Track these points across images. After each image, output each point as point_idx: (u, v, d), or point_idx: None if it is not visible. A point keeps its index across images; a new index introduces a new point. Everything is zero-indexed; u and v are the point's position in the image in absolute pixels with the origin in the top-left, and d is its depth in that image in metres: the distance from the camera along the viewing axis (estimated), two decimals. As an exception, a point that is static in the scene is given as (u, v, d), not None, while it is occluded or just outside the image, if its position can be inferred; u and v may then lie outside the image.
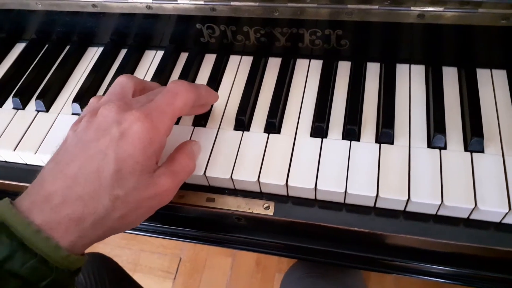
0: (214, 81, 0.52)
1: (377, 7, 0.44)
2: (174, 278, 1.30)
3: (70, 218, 0.33)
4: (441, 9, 0.43)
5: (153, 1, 0.49)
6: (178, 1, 0.48)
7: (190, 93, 0.39)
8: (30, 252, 0.31)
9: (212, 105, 0.48)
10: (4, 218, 0.32)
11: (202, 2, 0.48)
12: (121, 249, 1.37)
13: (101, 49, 0.59)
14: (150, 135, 0.35)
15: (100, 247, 1.26)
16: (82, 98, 0.52)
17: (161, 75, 0.53)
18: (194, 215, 0.49)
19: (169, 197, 0.38)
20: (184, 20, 0.52)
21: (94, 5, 0.52)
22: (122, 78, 0.41)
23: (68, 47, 0.60)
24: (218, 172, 0.44)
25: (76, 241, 0.33)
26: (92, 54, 0.59)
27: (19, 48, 0.62)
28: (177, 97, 0.38)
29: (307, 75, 0.52)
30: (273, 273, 1.26)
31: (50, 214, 0.32)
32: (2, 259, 0.30)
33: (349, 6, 0.44)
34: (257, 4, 0.46)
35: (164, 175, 0.37)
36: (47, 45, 0.61)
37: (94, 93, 0.54)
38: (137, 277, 0.76)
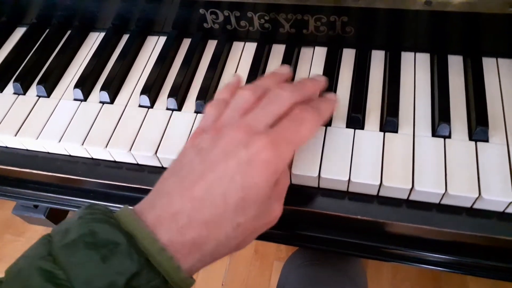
0: (217, 68, 0.51)
1: (383, -7, 0.43)
2: (174, 266, 1.31)
3: (194, 242, 0.32)
4: (448, -4, 0.42)
5: (156, -15, 0.49)
6: (182, -14, 0.48)
7: (318, 122, 0.38)
8: (154, 271, 0.30)
9: None
10: (132, 231, 0.30)
11: (206, -14, 0.47)
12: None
13: (103, 34, 0.58)
14: (275, 165, 0.33)
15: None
16: (83, 83, 0.52)
17: (163, 61, 0.53)
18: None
19: (277, 219, 0.37)
20: (187, 4, 0.51)
21: (95, -11, 0.51)
22: (245, 93, 0.38)
23: (69, 32, 0.59)
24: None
25: (195, 265, 0.32)
26: (94, 39, 0.59)
27: (19, 32, 0.61)
28: (303, 126, 0.36)
29: (311, 62, 0.51)
30: (271, 261, 1.27)
31: (176, 235, 0.31)
32: (130, 276, 0.28)
33: (355, -8, 0.44)
34: (261, -11, 0.46)
35: (276, 201, 0.36)
36: (48, 30, 0.60)
37: (96, 79, 0.54)
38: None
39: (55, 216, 1.20)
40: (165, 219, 0.31)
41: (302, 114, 0.37)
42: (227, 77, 0.52)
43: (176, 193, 0.32)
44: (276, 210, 0.36)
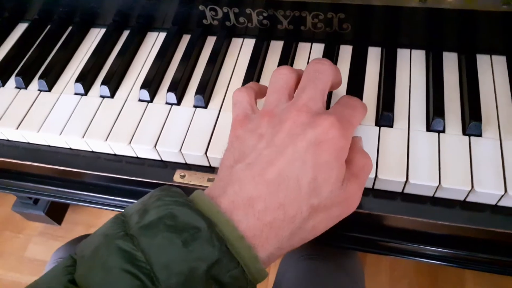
0: (215, 63, 0.52)
1: (380, -10, 0.44)
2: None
3: (271, 226, 0.30)
4: (443, -7, 0.43)
5: (157, -18, 0.50)
6: (182, -18, 0.49)
7: (364, 110, 0.39)
8: (234, 259, 0.28)
9: None
10: (211, 216, 0.29)
11: (205, -17, 0.48)
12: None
13: (103, 30, 0.59)
14: (343, 143, 0.33)
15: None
16: (84, 78, 0.52)
17: (163, 57, 0.54)
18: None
19: (356, 203, 0.36)
20: (187, 1, 0.52)
21: (97, -15, 0.52)
22: (284, 71, 0.38)
23: (70, 27, 0.60)
24: (220, 152, 0.45)
25: (272, 253, 0.31)
26: (95, 35, 0.59)
27: (21, 28, 0.62)
28: (357, 110, 0.37)
29: (308, 58, 0.52)
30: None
31: (253, 221, 0.30)
32: (211, 263, 0.27)
33: (352, -12, 0.45)
34: (260, -15, 0.47)
35: (349, 180, 0.34)
36: (49, 26, 0.61)
37: (96, 74, 0.54)
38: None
39: (54, 212, 1.21)
40: (240, 205, 0.30)
41: (352, 101, 0.38)
42: (225, 72, 0.52)
43: (247, 179, 0.31)
44: (353, 190, 0.34)
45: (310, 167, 0.31)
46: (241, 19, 0.52)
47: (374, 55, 0.51)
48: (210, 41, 0.55)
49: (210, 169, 0.47)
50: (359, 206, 0.43)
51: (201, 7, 0.52)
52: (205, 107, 0.49)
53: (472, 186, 0.40)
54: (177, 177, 0.47)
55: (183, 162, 0.47)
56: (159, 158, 0.48)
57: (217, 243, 0.28)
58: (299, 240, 0.33)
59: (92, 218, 1.39)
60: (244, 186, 0.31)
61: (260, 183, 0.31)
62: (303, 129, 0.32)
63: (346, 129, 0.34)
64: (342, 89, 0.48)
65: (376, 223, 0.46)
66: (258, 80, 0.51)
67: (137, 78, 0.53)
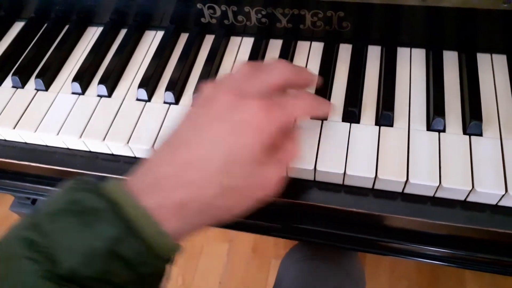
0: (214, 62, 0.52)
1: (379, -12, 0.44)
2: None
3: (178, 204, 0.32)
4: (443, -9, 0.43)
5: (154, -20, 0.49)
6: (180, -20, 0.48)
7: (312, 102, 0.38)
8: (137, 236, 0.30)
9: None
10: (115, 197, 0.31)
11: (203, -19, 0.48)
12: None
13: (100, 28, 0.59)
14: (267, 128, 0.33)
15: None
16: (81, 77, 0.52)
17: (161, 56, 0.53)
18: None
19: (273, 187, 0.36)
20: (185, -1, 0.52)
21: (94, -16, 0.51)
22: (241, 65, 0.39)
23: (67, 26, 0.59)
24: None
25: (180, 228, 0.32)
26: (92, 34, 0.59)
27: (18, 26, 0.61)
28: (300, 101, 0.37)
29: (308, 57, 0.52)
30: (269, 259, 1.27)
31: (160, 199, 0.31)
32: (112, 241, 0.29)
33: (351, -13, 0.44)
34: (259, -17, 0.46)
35: (270, 164, 0.35)
36: (46, 24, 0.60)
37: (93, 73, 0.54)
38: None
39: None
40: (151, 185, 0.32)
41: (303, 93, 0.38)
42: (224, 71, 0.52)
43: (164, 160, 0.33)
44: (271, 175, 0.35)
45: (227, 147, 0.32)
46: (240, 18, 0.52)
47: (374, 54, 0.51)
48: (208, 40, 0.55)
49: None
50: (358, 206, 0.43)
51: (199, 5, 0.52)
52: (204, 106, 0.49)
53: (473, 186, 0.40)
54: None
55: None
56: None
57: (119, 223, 0.29)
58: (211, 217, 0.34)
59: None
60: (155, 167, 0.33)
61: (172, 164, 0.32)
62: (228, 109, 0.33)
63: (275, 114, 0.34)
64: (342, 87, 0.48)
65: (376, 223, 0.46)
66: (257, 79, 0.50)
67: (134, 77, 0.53)
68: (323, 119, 0.46)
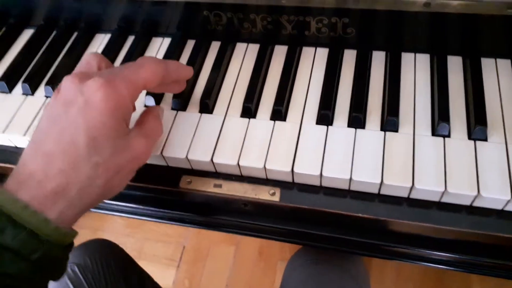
0: (221, 68, 0.52)
1: (384, -5, 0.44)
2: (178, 266, 1.32)
3: (55, 191, 0.34)
4: (447, -3, 0.43)
5: (161, -12, 0.50)
6: (186, -12, 0.49)
7: (156, 66, 0.40)
8: (20, 226, 0.32)
9: (214, 90, 0.50)
10: None
11: (210, -11, 0.48)
12: (126, 237, 1.39)
13: (108, 35, 0.60)
14: (115, 100, 0.36)
15: (105, 236, 1.28)
16: (90, 84, 0.53)
17: (168, 62, 0.54)
18: (201, 201, 0.50)
19: (145, 157, 0.40)
20: (192, 7, 0.52)
21: (102, -8, 0.52)
22: (88, 54, 0.42)
23: (76, 33, 0.60)
24: (225, 158, 0.45)
25: (64, 212, 0.35)
26: (100, 41, 0.60)
27: (27, 34, 0.62)
28: (143, 68, 0.39)
29: (313, 63, 0.52)
30: (275, 261, 1.27)
31: (36, 190, 0.34)
32: None
33: (356, -6, 0.45)
34: (264, -9, 0.47)
35: (137, 136, 0.38)
36: (55, 32, 0.61)
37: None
38: (141, 264, 0.77)
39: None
40: (23, 181, 0.34)
41: (143, 59, 0.40)
42: (230, 77, 0.52)
43: (29, 155, 0.36)
44: (139, 146, 0.38)
45: (83, 129, 0.35)
46: (246, 24, 0.53)
47: (378, 59, 0.51)
48: (215, 46, 0.56)
49: (216, 175, 0.47)
50: (364, 211, 0.43)
51: (205, 13, 0.52)
52: (211, 112, 0.49)
53: (478, 191, 0.40)
54: (183, 183, 0.47)
55: (189, 167, 0.48)
56: (165, 164, 0.48)
57: None
58: (96, 196, 0.37)
59: (98, 222, 1.40)
60: (25, 163, 0.35)
61: (38, 156, 0.35)
62: (74, 95, 0.36)
63: (117, 88, 0.36)
64: (347, 93, 0.49)
65: (382, 228, 0.46)
66: (262, 85, 0.51)
67: (142, 84, 0.53)
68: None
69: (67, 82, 0.37)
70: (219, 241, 1.33)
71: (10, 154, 0.52)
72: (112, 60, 0.57)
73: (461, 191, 0.40)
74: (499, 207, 0.41)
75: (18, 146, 0.53)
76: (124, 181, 0.39)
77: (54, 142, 0.35)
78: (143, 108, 0.50)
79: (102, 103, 0.35)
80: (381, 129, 0.45)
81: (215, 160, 0.45)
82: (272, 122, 0.47)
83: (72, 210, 0.35)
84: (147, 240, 1.38)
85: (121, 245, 0.75)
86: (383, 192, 0.43)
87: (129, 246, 1.36)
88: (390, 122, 0.45)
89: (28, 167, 0.35)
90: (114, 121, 0.36)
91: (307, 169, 0.43)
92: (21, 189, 0.34)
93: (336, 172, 0.43)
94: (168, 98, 0.51)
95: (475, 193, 0.40)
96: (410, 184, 0.41)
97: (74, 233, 0.37)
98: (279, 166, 0.44)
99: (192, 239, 1.36)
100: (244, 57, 0.54)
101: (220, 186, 0.47)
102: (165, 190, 0.49)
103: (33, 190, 0.34)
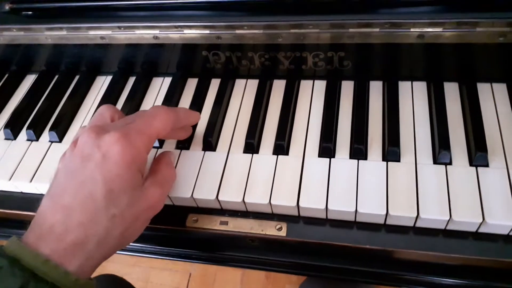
0: (222, 105, 0.53)
1: (377, 30, 0.45)
2: (185, 294, 1.31)
3: (75, 243, 0.35)
4: (439, 29, 0.44)
5: (160, 32, 0.51)
6: (184, 31, 0.50)
7: (168, 115, 0.42)
8: (42, 281, 0.33)
9: (216, 129, 0.51)
10: (14, 253, 0.34)
11: (207, 32, 0.49)
12: (131, 267, 1.38)
13: (109, 77, 0.61)
14: (131, 153, 0.37)
15: (110, 266, 1.27)
16: (94, 127, 0.54)
17: (170, 101, 0.55)
18: (208, 238, 0.50)
19: (161, 206, 0.41)
20: (190, 48, 0.53)
21: (102, 37, 0.53)
22: (101, 107, 0.44)
23: (77, 77, 0.62)
24: (230, 195, 0.45)
25: (84, 264, 0.36)
26: (101, 83, 0.61)
27: (29, 79, 0.63)
28: (155, 118, 0.40)
29: (311, 95, 0.53)
30: (283, 285, 1.26)
31: (56, 243, 0.35)
32: None
33: (350, 30, 0.46)
34: (261, 31, 0.48)
35: (152, 187, 0.40)
36: (57, 76, 0.62)
37: (105, 122, 0.55)
38: (149, 295, 0.76)
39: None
40: (43, 234, 0.35)
41: (154, 110, 0.41)
42: (231, 114, 0.53)
43: (48, 209, 0.36)
44: (154, 195, 0.40)
45: (101, 183, 0.36)
46: (244, 62, 0.54)
47: (376, 89, 0.52)
48: (215, 83, 0.57)
49: (222, 211, 0.48)
50: (371, 243, 0.43)
51: (204, 53, 0.53)
52: (214, 150, 0.50)
53: (483, 218, 0.40)
54: (189, 222, 0.47)
55: (195, 205, 0.48)
56: (171, 203, 0.49)
57: (19, 272, 0.33)
58: (112, 247, 0.38)
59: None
60: (45, 216, 0.36)
61: (58, 210, 0.36)
62: (91, 149, 0.37)
63: (134, 139, 0.38)
64: (347, 124, 0.49)
65: (390, 258, 0.46)
66: (263, 120, 0.52)
67: (145, 124, 0.54)
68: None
69: (84, 137, 0.38)
70: (225, 267, 1.32)
71: (16, 200, 0.53)
72: (115, 101, 0.58)
73: (466, 219, 0.40)
74: (505, 232, 0.41)
75: (24, 191, 0.53)
76: (139, 230, 0.40)
77: (72, 195, 0.36)
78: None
79: (119, 156, 0.36)
80: (383, 159, 0.46)
81: (220, 198, 0.46)
82: (275, 156, 0.48)
83: (91, 261, 0.36)
84: (153, 269, 1.37)
85: (127, 275, 0.75)
86: (389, 222, 0.44)
87: (135, 276, 1.35)
88: (391, 152, 0.45)
89: (48, 221, 0.36)
90: (130, 174, 0.37)
91: (313, 203, 0.44)
92: (41, 242, 0.35)
93: (341, 205, 0.43)
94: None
95: (480, 220, 0.40)
96: (415, 214, 0.41)
97: (92, 283, 0.37)
98: (284, 201, 0.44)
99: (198, 266, 1.35)
100: (244, 92, 0.55)
101: (226, 223, 0.47)
102: (172, 230, 0.49)
103: (53, 243, 0.35)
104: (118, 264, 1.38)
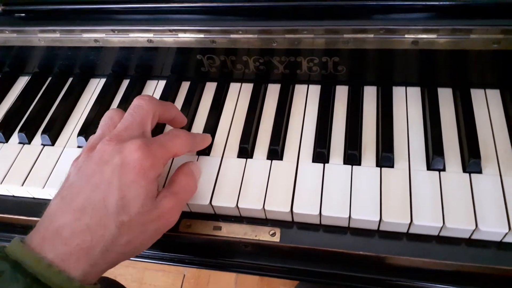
0: (216, 109, 0.53)
1: (372, 35, 0.45)
2: (179, 295, 1.30)
3: (80, 248, 0.34)
4: (434, 36, 0.44)
5: (154, 36, 0.51)
6: (179, 35, 0.50)
7: (188, 139, 0.43)
8: (45, 286, 0.32)
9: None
10: (16, 257, 0.33)
11: (202, 36, 0.49)
12: (125, 268, 1.37)
13: (103, 80, 0.60)
14: (150, 161, 0.37)
15: (104, 268, 1.26)
16: (87, 130, 0.53)
17: (164, 104, 0.55)
18: (201, 243, 0.50)
19: (173, 218, 0.40)
20: (185, 52, 0.53)
21: (96, 40, 0.53)
22: (110, 111, 0.44)
23: (70, 79, 0.61)
24: (224, 201, 0.45)
25: (88, 270, 0.35)
26: (95, 86, 0.60)
27: (22, 81, 0.63)
28: (178, 138, 0.41)
29: (306, 100, 0.53)
30: (277, 286, 1.26)
31: (61, 247, 0.34)
32: None
33: (345, 35, 0.46)
34: (256, 36, 0.48)
35: (165, 197, 0.39)
36: (50, 78, 0.62)
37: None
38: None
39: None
40: (48, 237, 0.34)
41: (178, 131, 0.42)
42: (226, 118, 0.53)
43: (58, 210, 0.36)
44: (166, 204, 0.39)
45: (116, 188, 0.35)
46: (238, 66, 0.54)
47: (370, 94, 0.52)
48: (209, 87, 0.56)
49: (215, 217, 0.48)
50: (364, 249, 0.43)
51: (198, 57, 0.53)
52: (208, 154, 0.50)
53: (476, 225, 0.40)
54: (183, 227, 0.47)
55: (188, 210, 0.48)
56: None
57: (21, 278, 0.32)
58: (118, 255, 0.37)
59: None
60: (53, 218, 0.35)
61: (67, 212, 0.35)
62: (112, 155, 0.37)
63: (153, 151, 0.38)
64: (341, 129, 0.49)
65: (383, 263, 0.46)
66: (258, 124, 0.52)
67: (138, 127, 0.54)
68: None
69: (104, 143, 0.38)
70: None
71: (8, 203, 0.52)
72: (108, 104, 0.58)
73: (459, 225, 0.41)
74: (497, 239, 0.41)
75: (15, 195, 0.53)
76: (148, 240, 0.39)
77: (86, 198, 0.36)
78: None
79: (138, 162, 0.36)
80: (377, 165, 0.46)
81: (214, 203, 0.45)
82: (269, 161, 0.48)
83: (95, 268, 0.35)
84: (147, 270, 1.37)
85: (121, 276, 0.74)
86: (382, 228, 0.44)
87: (130, 277, 1.35)
88: (385, 158, 0.45)
89: (56, 222, 0.35)
90: (146, 181, 0.37)
91: (306, 208, 0.44)
92: (46, 245, 0.34)
93: (335, 211, 0.43)
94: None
95: (473, 227, 0.40)
96: (408, 221, 0.41)
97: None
98: (278, 206, 0.44)
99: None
100: (238, 96, 0.55)
101: (219, 228, 0.47)
102: (165, 234, 0.48)
103: (58, 247, 0.34)
104: (112, 265, 1.37)
